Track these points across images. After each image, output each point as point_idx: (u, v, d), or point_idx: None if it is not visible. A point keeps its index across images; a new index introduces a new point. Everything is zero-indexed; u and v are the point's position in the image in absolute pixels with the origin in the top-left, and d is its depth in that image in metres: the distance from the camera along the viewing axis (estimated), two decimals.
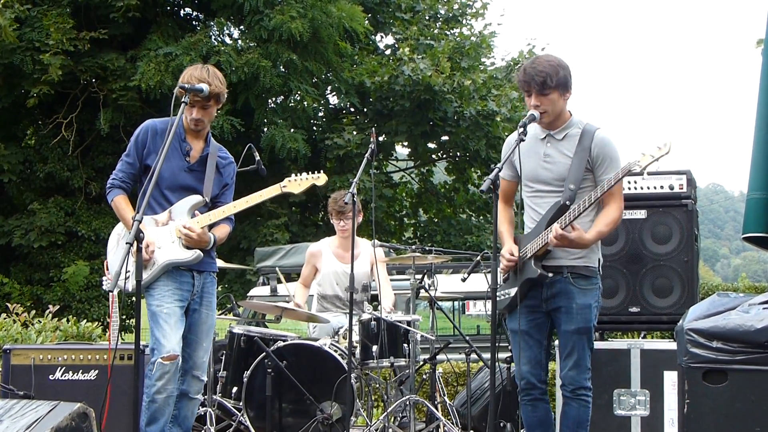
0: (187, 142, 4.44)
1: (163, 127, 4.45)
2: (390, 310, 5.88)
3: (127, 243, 3.62)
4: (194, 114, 4.36)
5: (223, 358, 5.77)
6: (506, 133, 16.29)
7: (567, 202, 4.09)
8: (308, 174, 4.48)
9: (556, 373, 4.42)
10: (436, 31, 18.29)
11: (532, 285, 4.17)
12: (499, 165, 4.03)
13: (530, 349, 4.20)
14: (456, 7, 19.16)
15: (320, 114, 17.74)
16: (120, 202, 4.43)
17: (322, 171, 4.53)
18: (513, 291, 4.20)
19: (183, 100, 4.19)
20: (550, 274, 4.14)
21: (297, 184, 4.46)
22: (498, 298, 4.15)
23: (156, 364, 4.20)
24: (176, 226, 4.32)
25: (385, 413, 5.42)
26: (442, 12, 19.20)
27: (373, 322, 5.53)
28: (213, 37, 16.22)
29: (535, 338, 4.22)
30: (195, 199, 4.38)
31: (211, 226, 4.45)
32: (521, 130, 4.02)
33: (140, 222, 3.70)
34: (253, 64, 14.61)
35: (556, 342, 4.38)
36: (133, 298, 4.25)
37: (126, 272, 3.78)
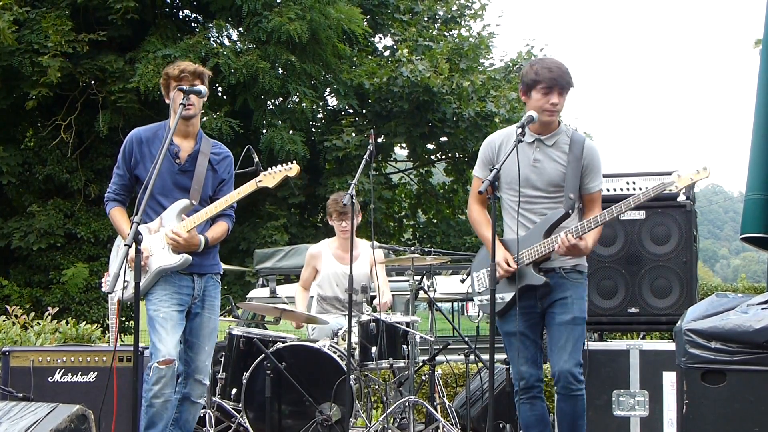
0: (175, 144, 4.41)
1: (148, 134, 4.47)
2: (385, 303, 5.87)
3: (125, 245, 3.63)
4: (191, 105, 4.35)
5: (222, 359, 5.77)
6: None
7: (569, 211, 4.13)
8: (281, 166, 4.48)
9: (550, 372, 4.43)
10: (434, 33, 18.31)
11: (528, 288, 4.19)
12: (497, 166, 4.03)
13: (527, 349, 4.23)
14: (454, 8, 19.17)
15: (319, 116, 17.75)
16: (115, 214, 4.48)
17: (294, 162, 4.53)
18: (506, 296, 4.19)
19: (181, 102, 4.19)
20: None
21: (271, 177, 4.47)
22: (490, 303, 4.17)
23: (152, 369, 4.21)
24: (165, 232, 4.33)
25: (385, 414, 5.42)
26: (441, 13, 19.21)
27: (372, 324, 5.53)
28: (212, 38, 16.22)
29: (531, 338, 4.25)
30: (182, 203, 4.38)
31: (210, 223, 4.46)
32: (519, 131, 4.04)
33: (138, 224, 3.70)
34: (252, 66, 14.62)
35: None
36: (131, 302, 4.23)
37: (124, 281, 3.78)
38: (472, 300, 4.43)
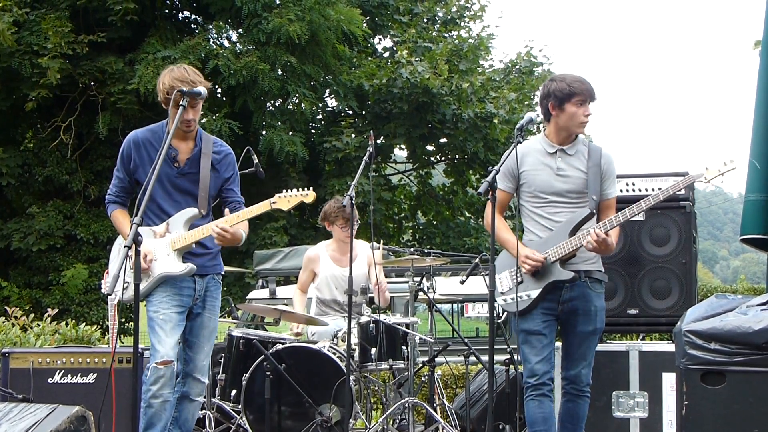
0: (173, 147, 4.38)
1: (145, 136, 4.44)
2: (384, 294, 5.87)
3: (125, 246, 3.63)
4: (188, 115, 4.32)
5: (222, 360, 5.77)
6: (504, 135, 16.32)
7: (594, 211, 4.32)
8: (298, 191, 4.48)
9: (556, 372, 4.47)
10: (434, 34, 18.31)
11: (552, 288, 4.30)
12: (496, 167, 4.20)
13: (544, 348, 4.32)
14: (454, 9, 19.17)
15: (318, 117, 17.75)
16: (117, 216, 4.48)
17: (311, 189, 4.52)
18: (533, 293, 4.32)
19: (181, 103, 4.17)
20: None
21: (286, 200, 4.46)
22: (515, 300, 4.32)
23: (150, 369, 4.22)
24: (171, 238, 4.34)
25: (384, 416, 5.42)
26: (440, 14, 19.21)
27: (371, 325, 5.53)
28: (211, 40, 16.23)
29: (549, 338, 4.35)
30: (191, 212, 4.39)
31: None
32: (519, 132, 4.20)
33: (138, 225, 3.70)
34: (252, 68, 14.62)
35: (558, 344, 4.46)
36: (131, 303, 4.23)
37: (125, 282, 3.78)
38: (471, 301, 4.48)
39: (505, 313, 4.56)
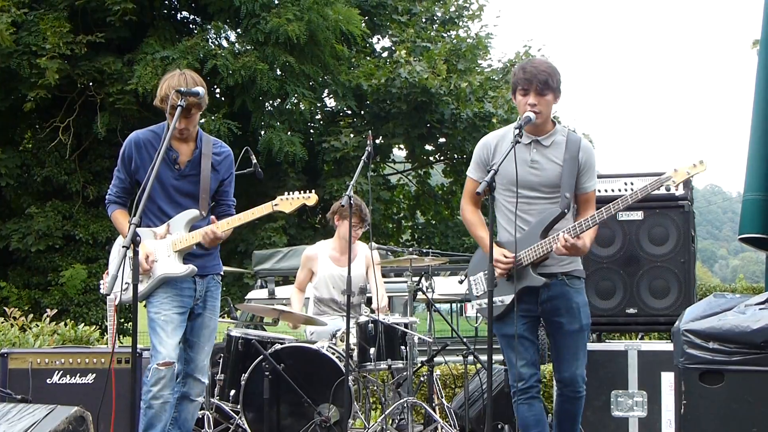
0: (174, 149, 4.39)
1: (146, 136, 4.44)
2: (383, 309, 5.87)
3: (123, 246, 3.62)
4: (180, 124, 4.30)
5: (221, 361, 5.77)
6: None
7: (565, 210, 4.13)
8: (300, 193, 4.47)
9: (552, 374, 4.44)
10: (432, 34, 18.32)
11: (527, 291, 4.18)
12: (495, 167, 4.00)
13: (527, 350, 4.22)
14: (452, 9, 19.17)
15: (317, 117, 17.75)
16: (117, 216, 4.48)
17: (313, 191, 4.51)
18: (506, 298, 4.18)
19: (179, 103, 4.16)
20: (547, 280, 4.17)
21: (288, 203, 4.45)
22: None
23: (152, 370, 4.22)
24: (172, 240, 4.34)
25: (383, 415, 5.42)
26: (439, 14, 19.22)
27: (370, 325, 5.53)
28: (210, 40, 16.23)
29: (530, 340, 4.25)
30: (191, 213, 4.39)
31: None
32: (517, 132, 4.00)
33: (137, 225, 3.69)
34: (250, 67, 14.63)
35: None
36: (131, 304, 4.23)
37: (125, 284, 3.77)
38: (470, 301, 4.42)
39: (481, 318, 4.48)
